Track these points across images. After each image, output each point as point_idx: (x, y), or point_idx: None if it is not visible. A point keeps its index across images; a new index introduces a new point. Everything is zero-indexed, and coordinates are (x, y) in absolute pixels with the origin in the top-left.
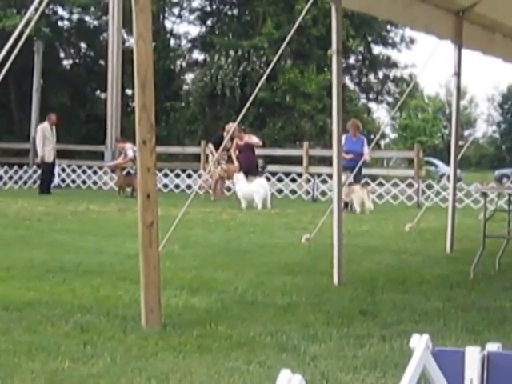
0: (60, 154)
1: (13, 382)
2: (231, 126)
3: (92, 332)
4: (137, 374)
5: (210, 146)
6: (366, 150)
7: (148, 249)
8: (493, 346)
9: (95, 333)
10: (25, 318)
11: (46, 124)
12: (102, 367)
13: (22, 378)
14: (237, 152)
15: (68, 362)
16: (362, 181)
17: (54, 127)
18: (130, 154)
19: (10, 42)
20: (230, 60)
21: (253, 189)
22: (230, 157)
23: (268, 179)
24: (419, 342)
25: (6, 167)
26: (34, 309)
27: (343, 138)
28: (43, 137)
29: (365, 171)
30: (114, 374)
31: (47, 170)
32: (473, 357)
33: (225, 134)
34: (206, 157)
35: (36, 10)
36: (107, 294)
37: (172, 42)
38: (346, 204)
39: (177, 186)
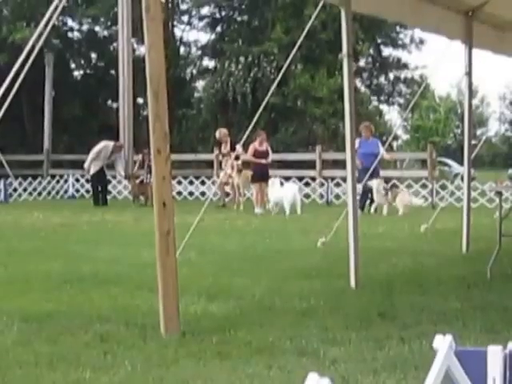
0: (73, 165)
1: None
2: (223, 132)
3: (112, 341)
4: (158, 381)
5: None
6: (382, 150)
7: (165, 257)
8: None
9: (115, 342)
10: (45, 329)
11: (110, 145)
12: (123, 376)
13: None
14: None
15: (89, 371)
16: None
17: (116, 155)
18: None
19: (23, 56)
20: (240, 66)
21: (283, 194)
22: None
23: (281, 184)
24: (442, 343)
25: (20, 179)
26: (53, 320)
27: (357, 141)
28: (97, 154)
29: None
30: (135, 383)
31: (92, 182)
32: (495, 356)
33: (222, 140)
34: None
35: (46, 24)
36: (125, 303)
37: (182, 49)
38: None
39: (190, 193)
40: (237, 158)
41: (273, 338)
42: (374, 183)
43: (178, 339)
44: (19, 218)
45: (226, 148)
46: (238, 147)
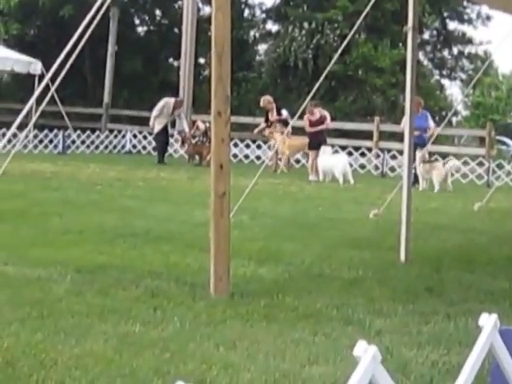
0: (131, 120)
1: (86, 343)
2: (266, 100)
3: (162, 297)
4: (205, 339)
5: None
6: (432, 124)
7: (219, 218)
8: None
9: (165, 298)
10: (97, 281)
11: (171, 101)
12: (171, 332)
13: (95, 339)
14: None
15: (139, 325)
16: (444, 160)
17: (178, 111)
18: (201, 126)
19: (92, 12)
20: (303, 32)
21: (333, 163)
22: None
23: (337, 152)
24: (488, 321)
25: (78, 131)
26: (105, 272)
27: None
28: (160, 110)
29: (435, 148)
30: (183, 339)
31: (156, 140)
32: None
33: (267, 107)
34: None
35: None
36: (177, 260)
37: (246, 12)
38: (417, 180)
39: (246, 157)
40: (283, 122)
41: (320, 305)
42: (417, 155)
43: (226, 300)
44: (76, 170)
45: (272, 115)
46: (284, 112)
